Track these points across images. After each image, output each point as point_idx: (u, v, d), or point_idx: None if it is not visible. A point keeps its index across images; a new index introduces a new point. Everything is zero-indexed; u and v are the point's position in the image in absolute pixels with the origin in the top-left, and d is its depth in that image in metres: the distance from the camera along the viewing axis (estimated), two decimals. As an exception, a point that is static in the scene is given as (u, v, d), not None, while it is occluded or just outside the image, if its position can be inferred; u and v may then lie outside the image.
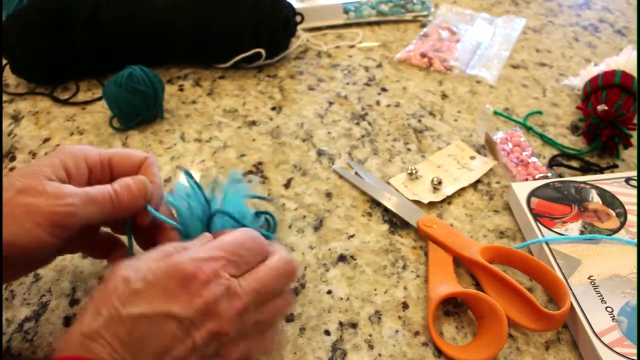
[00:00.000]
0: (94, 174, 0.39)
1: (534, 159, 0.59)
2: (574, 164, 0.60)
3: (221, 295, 0.33)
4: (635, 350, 0.40)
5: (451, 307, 0.46)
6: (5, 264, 0.35)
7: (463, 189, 0.57)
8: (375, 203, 0.55)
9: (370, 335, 0.44)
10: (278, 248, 0.38)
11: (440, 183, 0.55)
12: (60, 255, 0.44)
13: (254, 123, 0.65)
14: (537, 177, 0.57)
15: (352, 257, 0.50)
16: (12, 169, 0.58)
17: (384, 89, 0.71)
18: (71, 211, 0.35)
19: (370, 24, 0.85)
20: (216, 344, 0.33)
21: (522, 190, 0.53)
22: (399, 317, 0.45)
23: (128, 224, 0.41)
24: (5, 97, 0.68)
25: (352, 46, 0.80)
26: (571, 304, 0.43)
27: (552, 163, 0.60)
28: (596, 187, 0.54)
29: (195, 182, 0.42)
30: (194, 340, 0.32)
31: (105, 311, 0.31)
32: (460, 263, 0.49)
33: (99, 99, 0.68)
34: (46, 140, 0.62)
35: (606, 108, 0.59)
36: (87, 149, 0.39)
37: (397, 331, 0.44)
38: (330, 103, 0.68)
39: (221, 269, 0.34)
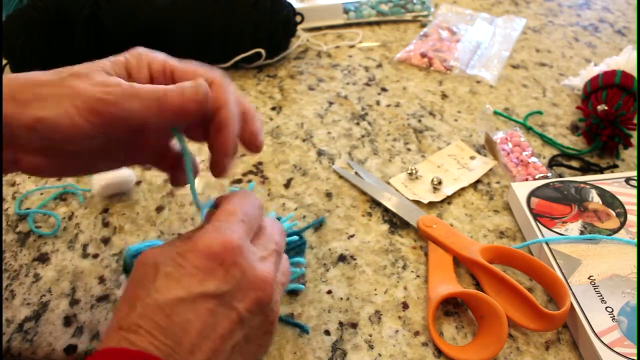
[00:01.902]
0: (155, 81, 0.36)
1: (534, 159, 0.59)
2: (574, 164, 0.60)
3: (253, 260, 0.33)
4: (635, 350, 0.40)
5: (451, 307, 0.46)
6: (52, 149, 0.33)
7: (463, 189, 0.57)
8: (375, 203, 0.55)
9: (370, 335, 0.44)
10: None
11: (440, 183, 0.55)
12: (128, 165, 0.41)
13: (254, 123, 0.65)
14: (537, 177, 0.57)
15: (352, 257, 0.50)
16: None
17: (384, 89, 0.71)
18: (109, 99, 0.32)
19: (370, 24, 0.85)
20: (262, 314, 0.33)
21: (522, 190, 0.53)
22: (399, 317, 0.45)
23: (177, 129, 0.36)
24: (5, 97, 0.68)
25: (352, 46, 0.80)
26: (571, 304, 0.43)
27: (552, 163, 0.60)
28: (596, 187, 0.54)
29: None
30: (239, 312, 0.31)
31: (139, 301, 0.30)
32: (460, 263, 0.49)
33: (99, 99, 0.68)
34: (46, 140, 0.62)
35: (606, 108, 0.59)
36: (153, 55, 0.36)
37: (397, 331, 0.44)
38: (330, 103, 0.68)
39: (242, 233, 0.33)
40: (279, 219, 0.51)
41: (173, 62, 0.37)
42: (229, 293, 0.31)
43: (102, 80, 0.33)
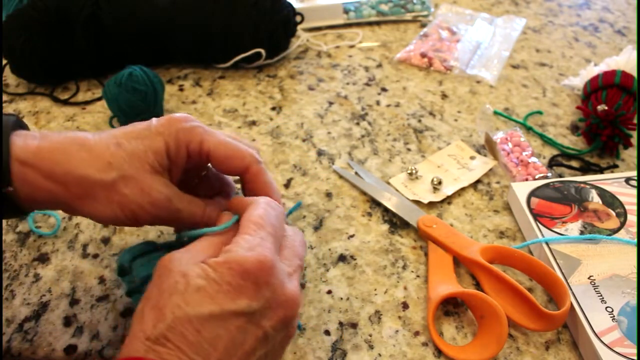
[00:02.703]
0: (192, 159, 0.38)
1: (534, 159, 0.59)
2: (574, 164, 0.60)
3: (284, 278, 0.33)
4: (635, 350, 0.40)
5: (451, 307, 0.46)
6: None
7: (463, 189, 0.57)
8: (375, 203, 0.55)
9: (370, 335, 0.44)
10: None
11: (440, 183, 0.55)
12: None
13: (254, 123, 0.65)
14: (537, 177, 0.57)
15: (352, 257, 0.50)
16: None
17: (384, 89, 0.71)
18: (156, 219, 0.37)
19: (370, 24, 0.85)
20: (285, 329, 0.33)
21: (522, 190, 0.53)
22: (399, 317, 0.45)
23: None
24: (5, 97, 0.68)
25: (352, 46, 0.80)
26: (571, 304, 0.43)
27: (552, 163, 0.60)
28: (596, 187, 0.54)
29: None
30: (265, 329, 0.32)
31: (169, 312, 0.30)
32: (460, 263, 0.49)
33: (99, 99, 0.68)
34: (46, 140, 0.62)
35: (606, 108, 0.59)
36: (192, 133, 0.38)
37: (397, 331, 0.44)
38: (330, 103, 0.68)
39: (274, 249, 0.34)
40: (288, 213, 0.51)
41: (210, 142, 0.38)
42: (258, 311, 0.31)
43: (153, 196, 0.36)
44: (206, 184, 0.43)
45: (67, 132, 0.36)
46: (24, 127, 0.38)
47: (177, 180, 0.39)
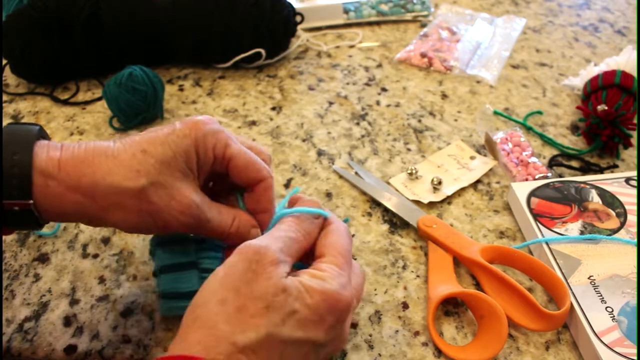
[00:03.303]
0: (215, 163, 0.38)
1: (534, 159, 0.59)
2: (574, 164, 0.60)
3: (350, 318, 0.35)
4: (635, 350, 0.40)
5: (451, 307, 0.46)
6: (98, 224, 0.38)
7: (463, 189, 0.57)
8: (375, 203, 0.55)
9: (370, 335, 0.44)
10: (326, 211, 0.41)
11: (440, 183, 0.55)
12: None
13: (254, 123, 0.65)
14: (537, 177, 0.57)
15: (352, 257, 0.50)
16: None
17: (384, 89, 0.71)
18: (186, 227, 0.37)
19: (370, 24, 0.85)
20: (325, 356, 0.35)
21: (522, 190, 0.53)
22: (399, 317, 0.45)
23: None
24: (5, 97, 0.68)
25: (352, 46, 0.80)
26: (571, 304, 0.43)
27: (552, 163, 0.60)
28: (596, 187, 0.54)
29: None
30: (318, 356, 0.33)
31: (263, 327, 0.30)
32: (460, 263, 0.49)
33: (99, 99, 0.68)
34: (46, 140, 0.62)
35: (606, 108, 0.59)
36: (218, 136, 0.37)
37: (397, 331, 0.44)
38: (330, 103, 0.68)
39: (354, 287, 0.35)
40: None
41: (233, 148, 0.38)
42: (325, 343, 0.33)
43: (184, 203, 0.35)
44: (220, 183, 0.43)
45: (88, 142, 0.35)
46: (46, 137, 0.37)
47: (200, 185, 0.38)
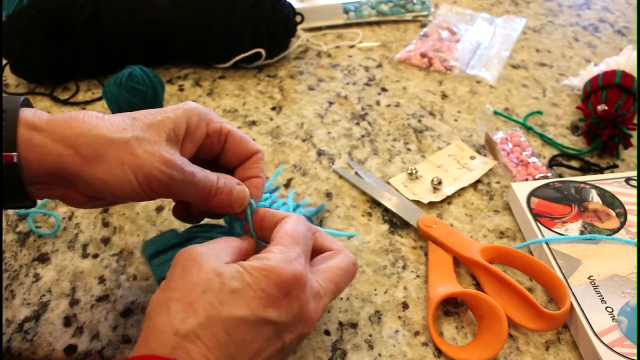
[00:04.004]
0: (209, 139, 0.39)
1: (534, 159, 0.59)
2: (574, 164, 0.60)
3: (311, 297, 0.34)
4: (635, 350, 0.40)
5: (451, 307, 0.46)
6: (101, 197, 0.37)
7: (463, 189, 0.57)
8: (375, 203, 0.55)
9: (370, 335, 0.44)
10: (341, 246, 0.39)
11: (440, 183, 0.55)
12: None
13: (254, 123, 0.65)
14: (537, 177, 0.57)
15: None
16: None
17: (384, 89, 0.71)
18: (169, 182, 0.35)
19: (370, 24, 0.85)
20: (297, 345, 0.34)
21: (522, 190, 0.53)
22: (399, 317, 0.45)
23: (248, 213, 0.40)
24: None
25: (352, 46, 0.80)
26: (571, 304, 0.43)
27: (552, 163, 0.60)
28: (596, 187, 0.54)
29: None
30: (284, 342, 0.32)
31: (202, 310, 0.30)
32: (460, 263, 0.49)
33: (99, 99, 0.68)
34: (46, 140, 0.62)
35: (606, 108, 0.59)
36: (212, 114, 0.39)
37: (397, 331, 0.44)
38: (330, 103, 0.68)
39: (307, 266, 0.34)
40: (297, 206, 0.51)
41: (227, 127, 0.40)
42: (284, 324, 0.32)
43: (166, 157, 0.35)
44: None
45: (79, 111, 0.36)
46: (31, 106, 0.37)
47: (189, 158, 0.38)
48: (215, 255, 0.33)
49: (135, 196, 0.35)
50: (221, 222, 0.45)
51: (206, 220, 0.44)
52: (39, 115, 0.34)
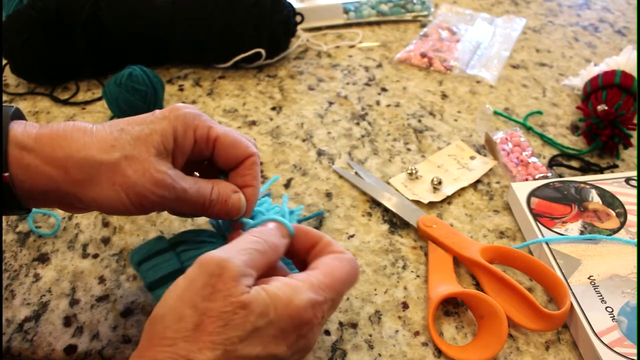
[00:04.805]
0: (197, 146, 0.38)
1: (534, 159, 0.59)
2: (574, 164, 0.60)
3: (317, 333, 0.34)
4: (635, 350, 0.40)
5: (451, 307, 0.46)
6: (91, 208, 0.37)
7: (463, 189, 0.57)
8: (375, 203, 0.55)
9: (370, 335, 0.44)
10: (341, 247, 0.38)
11: (440, 183, 0.55)
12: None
13: (254, 123, 0.65)
14: (537, 177, 0.57)
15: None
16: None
17: (384, 89, 0.71)
18: (160, 201, 0.36)
19: (370, 24, 0.85)
20: None
21: (522, 190, 0.53)
22: (399, 317, 0.45)
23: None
24: (5, 97, 0.68)
25: (352, 46, 0.80)
26: (571, 304, 0.43)
27: (552, 163, 0.60)
28: (596, 187, 0.54)
29: None
30: None
31: (221, 345, 0.29)
32: (460, 263, 0.49)
33: (99, 99, 0.68)
34: (46, 140, 0.62)
35: (606, 108, 0.59)
36: (199, 119, 0.38)
37: (397, 331, 0.44)
38: (330, 103, 0.68)
39: (327, 311, 0.34)
40: (291, 212, 0.51)
41: (218, 129, 0.39)
42: (285, 357, 0.32)
43: (156, 177, 0.35)
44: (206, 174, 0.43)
45: (68, 122, 0.36)
46: (23, 118, 0.38)
47: (181, 168, 0.38)
48: (244, 273, 0.32)
49: (129, 213, 0.36)
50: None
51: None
52: (28, 132, 0.34)
